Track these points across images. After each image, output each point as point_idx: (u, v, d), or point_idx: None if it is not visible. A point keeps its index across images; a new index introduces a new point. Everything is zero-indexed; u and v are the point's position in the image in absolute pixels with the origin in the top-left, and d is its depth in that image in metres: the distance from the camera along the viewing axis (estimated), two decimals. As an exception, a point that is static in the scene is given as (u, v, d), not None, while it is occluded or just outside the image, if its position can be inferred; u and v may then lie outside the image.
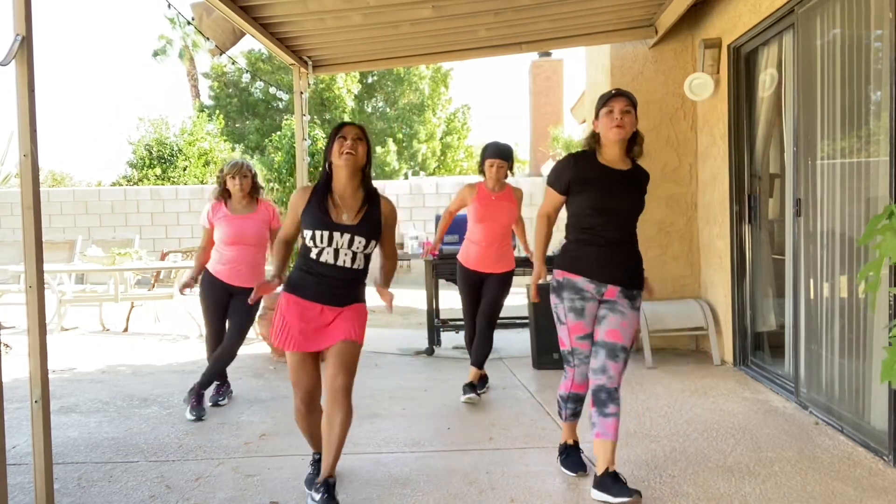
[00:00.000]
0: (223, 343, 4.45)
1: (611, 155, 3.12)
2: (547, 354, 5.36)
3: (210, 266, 4.43)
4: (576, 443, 3.35)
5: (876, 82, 3.37)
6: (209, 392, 4.55)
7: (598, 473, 2.97)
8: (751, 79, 5.03)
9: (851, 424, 3.58)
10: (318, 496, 2.82)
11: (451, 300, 8.85)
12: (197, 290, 4.46)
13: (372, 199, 2.99)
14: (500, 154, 4.55)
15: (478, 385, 4.65)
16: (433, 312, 6.21)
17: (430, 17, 4.84)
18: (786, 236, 4.44)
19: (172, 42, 23.49)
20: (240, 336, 4.43)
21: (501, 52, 5.89)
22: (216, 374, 4.48)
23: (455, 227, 6.64)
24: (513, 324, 6.32)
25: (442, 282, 6.39)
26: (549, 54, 20.85)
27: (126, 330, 7.72)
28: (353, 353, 2.92)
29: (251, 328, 4.56)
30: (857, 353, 3.54)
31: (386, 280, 3.07)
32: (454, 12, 4.81)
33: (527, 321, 5.32)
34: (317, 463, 3.15)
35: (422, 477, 3.26)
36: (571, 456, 3.30)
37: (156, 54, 23.60)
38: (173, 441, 3.84)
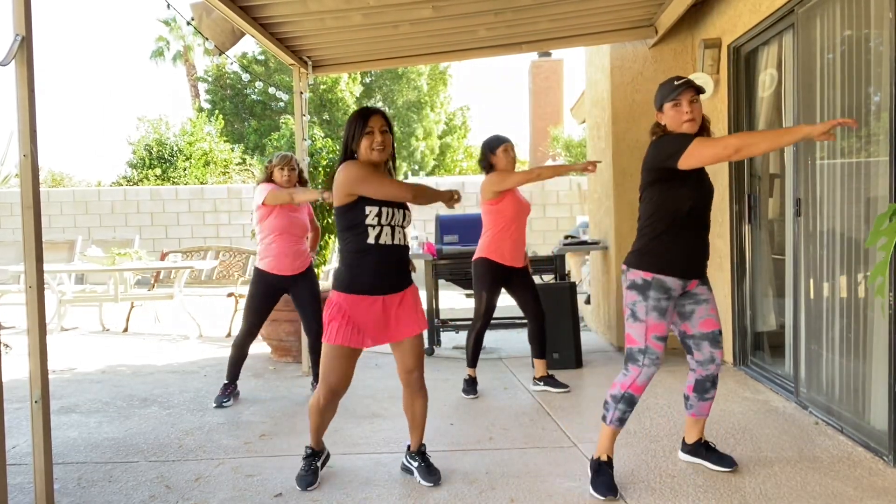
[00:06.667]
0: (310, 336, 4.66)
1: None
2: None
3: (258, 263, 4.59)
4: (610, 459, 3.04)
5: (876, 82, 3.37)
6: (214, 393, 4.74)
7: (690, 442, 3.29)
8: (751, 79, 5.03)
9: (851, 424, 3.58)
10: (415, 463, 3.21)
11: (451, 300, 8.87)
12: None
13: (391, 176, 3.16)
14: (508, 138, 4.63)
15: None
16: (433, 312, 6.21)
17: (430, 17, 4.84)
18: (786, 236, 4.44)
19: (170, 43, 23.54)
20: (319, 319, 4.53)
21: (501, 52, 5.88)
22: (318, 364, 4.66)
23: (455, 227, 6.65)
24: (512, 324, 6.33)
25: (442, 282, 6.39)
26: (549, 54, 20.86)
27: (126, 330, 7.73)
28: (421, 345, 3.15)
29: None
30: (858, 353, 3.54)
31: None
32: (454, 12, 4.81)
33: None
34: (310, 458, 3.22)
35: (422, 477, 3.26)
36: (604, 475, 2.99)
37: (153, 55, 23.64)
38: (173, 441, 3.85)
